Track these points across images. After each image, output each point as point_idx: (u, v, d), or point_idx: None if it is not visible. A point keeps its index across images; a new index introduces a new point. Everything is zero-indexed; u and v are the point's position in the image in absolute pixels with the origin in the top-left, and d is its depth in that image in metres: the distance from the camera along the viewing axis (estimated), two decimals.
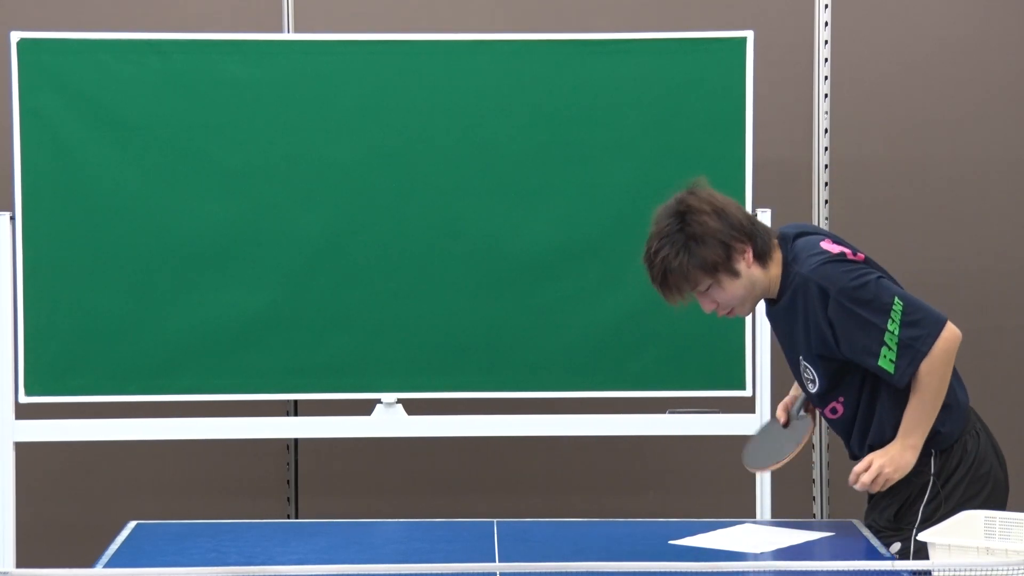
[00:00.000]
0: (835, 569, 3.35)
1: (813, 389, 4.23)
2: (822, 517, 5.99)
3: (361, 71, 5.45)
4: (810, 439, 4.45)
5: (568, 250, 5.48)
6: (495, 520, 4.69)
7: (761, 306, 5.39)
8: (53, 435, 5.51)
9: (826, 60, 5.95)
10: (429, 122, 5.46)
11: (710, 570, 3.52)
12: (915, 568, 3.49)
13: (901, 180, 6.05)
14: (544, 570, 3.36)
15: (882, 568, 3.35)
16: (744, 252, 4.10)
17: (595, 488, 6.08)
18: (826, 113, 5.94)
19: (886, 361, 4.06)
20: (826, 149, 5.98)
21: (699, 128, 5.47)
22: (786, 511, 5.65)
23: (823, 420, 6.00)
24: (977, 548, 3.64)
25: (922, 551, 3.78)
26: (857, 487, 4.19)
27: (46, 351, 5.42)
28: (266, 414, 5.66)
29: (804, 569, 4.08)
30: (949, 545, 3.66)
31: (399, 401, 5.49)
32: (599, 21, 5.85)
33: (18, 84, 5.38)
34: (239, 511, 5.86)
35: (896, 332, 4.04)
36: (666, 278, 4.12)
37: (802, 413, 4.43)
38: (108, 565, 4.15)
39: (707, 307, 4.19)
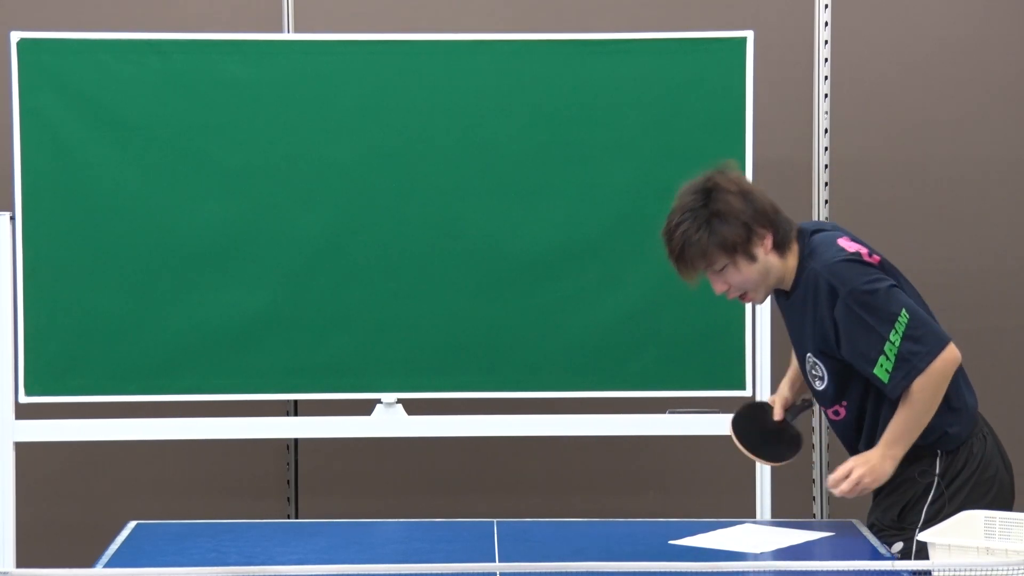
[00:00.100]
0: (835, 569, 3.35)
1: (820, 387, 4.23)
2: (822, 517, 5.99)
3: (361, 71, 5.45)
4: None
5: (568, 250, 5.48)
6: (495, 520, 4.69)
7: (763, 307, 5.43)
8: (53, 435, 5.51)
9: (826, 60, 5.95)
10: (429, 122, 5.46)
11: (710, 570, 3.52)
12: (915, 568, 3.49)
13: (901, 180, 6.05)
14: (544, 570, 3.36)
15: (882, 568, 3.35)
16: (764, 238, 4.10)
17: (595, 488, 6.08)
18: (826, 113, 5.94)
19: (882, 370, 4.06)
20: (826, 149, 5.98)
21: (699, 128, 5.46)
22: (786, 511, 5.65)
23: (823, 421, 6.01)
24: (977, 548, 3.64)
25: (924, 551, 3.78)
26: (835, 493, 4.19)
27: (46, 351, 5.42)
28: (266, 414, 5.66)
29: (804, 569, 4.08)
30: (949, 545, 3.66)
31: (399, 401, 5.49)
32: (599, 21, 5.85)
33: (18, 84, 5.38)
34: (239, 511, 5.86)
35: (897, 344, 4.04)
36: (683, 253, 4.12)
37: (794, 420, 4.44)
38: (108, 565, 4.16)
39: (719, 288, 4.18)
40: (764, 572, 4.09)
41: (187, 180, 5.44)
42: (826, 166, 5.98)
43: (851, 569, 3.34)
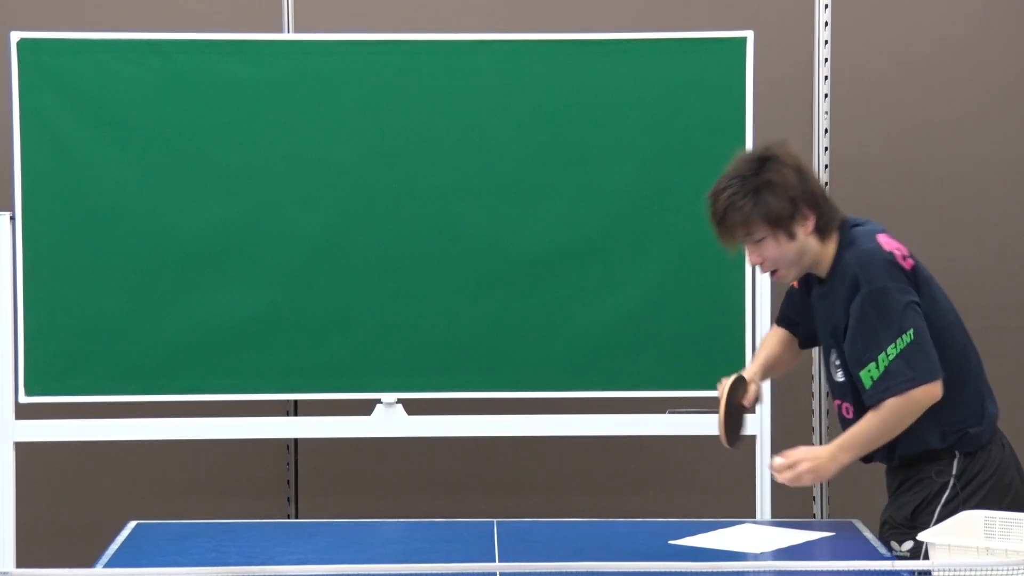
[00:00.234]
0: (835, 569, 3.35)
1: (839, 378, 4.22)
2: (822, 517, 5.99)
3: (361, 71, 5.45)
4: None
5: (568, 250, 5.48)
6: (495, 520, 4.69)
7: (763, 308, 5.43)
8: (53, 435, 5.51)
9: (826, 60, 5.95)
10: (429, 122, 5.46)
11: (710, 570, 3.52)
12: (914, 568, 3.49)
13: (901, 180, 6.04)
14: (544, 570, 3.36)
15: (882, 568, 3.35)
16: (807, 218, 4.11)
17: (595, 488, 6.08)
18: (826, 113, 5.94)
19: (867, 376, 4.08)
20: (826, 149, 5.98)
21: (699, 128, 5.46)
22: (786, 511, 5.64)
23: (824, 421, 6.01)
24: (977, 548, 3.64)
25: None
26: (775, 477, 4.18)
27: (46, 351, 5.42)
28: (266, 414, 5.66)
29: (804, 569, 4.09)
30: (949, 545, 3.66)
31: (399, 401, 5.49)
32: (599, 21, 5.85)
33: (18, 84, 5.38)
34: (239, 511, 5.86)
35: (891, 357, 4.05)
36: (725, 217, 4.13)
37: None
38: (108, 565, 4.16)
39: (753, 259, 4.18)
40: (764, 572, 4.09)
41: (187, 180, 5.44)
42: (826, 166, 5.98)
43: (851, 569, 3.34)
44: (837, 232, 4.17)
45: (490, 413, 5.54)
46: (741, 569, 3.86)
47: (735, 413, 4.40)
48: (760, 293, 5.44)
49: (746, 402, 4.42)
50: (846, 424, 4.25)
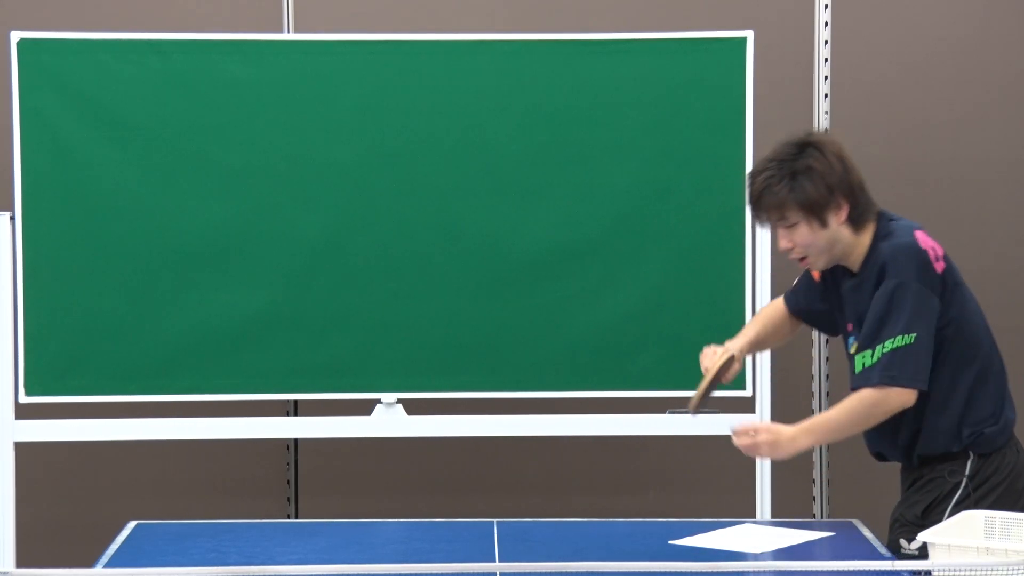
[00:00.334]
0: (835, 569, 3.35)
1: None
2: (822, 517, 5.99)
3: (361, 71, 5.45)
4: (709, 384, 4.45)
5: (568, 250, 5.48)
6: (495, 520, 4.69)
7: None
8: (53, 435, 5.51)
9: (826, 60, 5.95)
10: (429, 122, 5.46)
11: (710, 570, 3.52)
12: (914, 568, 3.49)
13: (901, 180, 6.04)
14: (544, 570, 3.36)
15: (882, 568, 3.35)
16: (842, 208, 4.11)
17: (595, 488, 6.08)
18: (826, 113, 5.94)
19: (860, 362, 4.10)
20: None
21: (699, 128, 5.47)
22: (786, 511, 5.65)
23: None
24: (977, 548, 3.64)
25: None
26: (733, 439, 4.18)
27: (46, 351, 5.42)
28: (266, 414, 5.66)
29: (804, 569, 4.09)
30: (949, 545, 3.66)
31: (399, 401, 5.49)
32: (599, 21, 5.85)
33: (18, 84, 5.38)
34: (239, 511, 5.86)
35: (885, 350, 4.06)
36: (760, 199, 4.14)
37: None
38: (108, 565, 4.16)
39: (783, 244, 4.19)
40: (764, 572, 4.09)
41: (187, 180, 5.44)
42: None
43: (851, 569, 3.34)
44: (873, 225, 4.16)
45: (490, 413, 5.54)
46: (741, 569, 3.86)
47: (712, 386, 4.41)
48: (760, 293, 5.44)
49: (725, 379, 4.45)
50: None
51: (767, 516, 5.47)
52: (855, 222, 4.14)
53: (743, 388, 5.47)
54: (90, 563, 4.24)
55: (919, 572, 3.50)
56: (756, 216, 4.19)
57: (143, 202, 5.43)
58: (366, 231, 5.46)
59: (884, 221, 4.18)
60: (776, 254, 5.42)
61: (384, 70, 5.45)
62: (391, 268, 5.46)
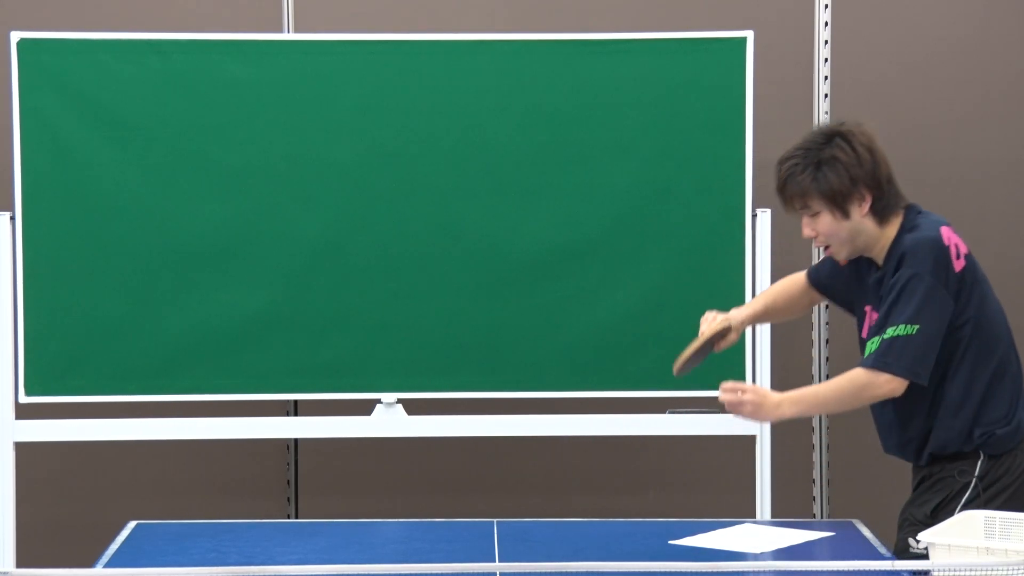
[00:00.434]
0: (835, 569, 3.35)
1: None
2: (822, 517, 5.99)
3: (361, 71, 5.45)
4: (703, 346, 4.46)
5: (568, 250, 5.48)
6: (495, 520, 4.69)
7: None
8: (53, 435, 5.51)
9: (826, 60, 5.95)
10: (429, 122, 5.46)
11: (710, 570, 3.52)
12: (914, 568, 3.49)
13: (901, 180, 5.99)
14: (544, 570, 3.36)
15: (882, 568, 3.35)
16: (865, 200, 4.11)
17: (595, 488, 6.08)
18: (826, 113, 5.94)
19: (869, 348, 4.11)
20: None
21: (699, 128, 5.47)
22: (786, 511, 5.65)
23: (824, 420, 6.01)
24: (977, 548, 3.64)
25: None
26: (720, 397, 4.20)
27: (46, 351, 5.42)
28: (266, 414, 5.66)
29: (804, 569, 4.09)
30: (949, 545, 3.66)
31: (399, 401, 5.49)
32: (599, 21, 5.85)
33: (18, 84, 5.38)
34: (239, 511, 5.86)
35: (886, 337, 4.06)
36: (785, 187, 4.15)
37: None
38: (108, 565, 4.16)
39: (807, 232, 4.19)
40: (764, 572, 4.09)
41: (187, 180, 5.44)
42: None
43: (851, 569, 3.34)
44: (901, 218, 4.17)
45: (490, 413, 5.54)
46: (741, 569, 3.85)
47: (703, 352, 4.42)
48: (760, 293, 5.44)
49: (718, 348, 4.47)
50: (876, 408, 4.25)
51: (767, 516, 5.47)
52: (879, 215, 4.14)
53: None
54: (90, 563, 4.24)
55: (919, 572, 3.49)
56: (783, 203, 4.20)
57: (143, 202, 5.43)
58: (366, 231, 5.46)
59: (912, 215, 4.19)
60: (776, 254, 5.43)
61: (384, 70, 5.45)
62: (391, 268, 5.46)
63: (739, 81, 5.44)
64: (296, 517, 6.03)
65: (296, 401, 5.86)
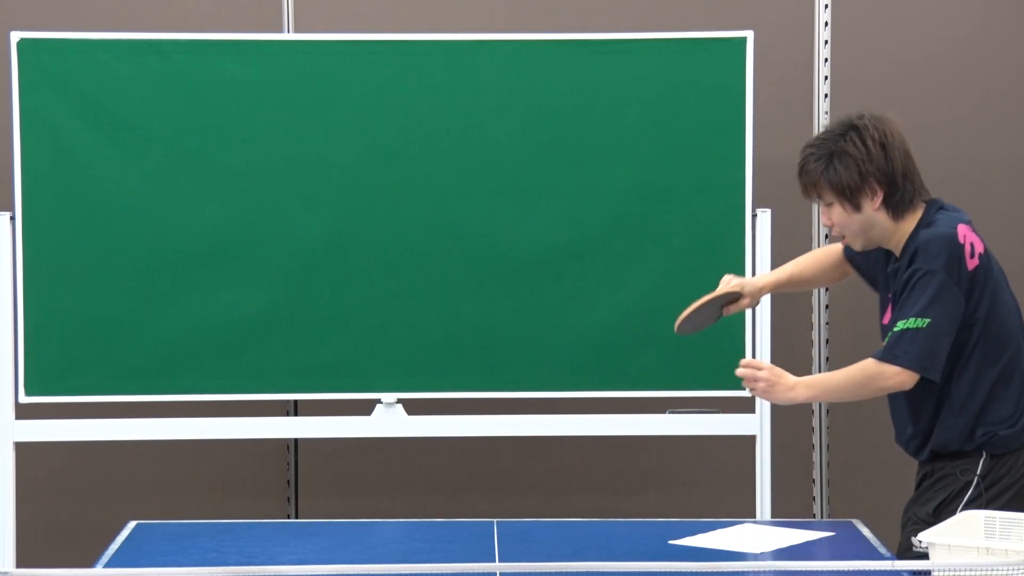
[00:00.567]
0: (835, 569, 3.35)
1: None
2: (822, 517, 5.99)
3: (361, 71, 5.45)
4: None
5: (568, 250, 5.48)
6: (495, 520, 4.69)
7: (763, 308, 5.43)
8: (53, 435, 5.51)
9: (826, 60, 5.95)
10: (429, 122, 5.46)
11: (710, 570, 3.51)
12: (914, 568, 3.48)
13: None
14: (544, 570, 3.36)
15: (882, 568, 3.35)
16: (876, 193, 4.12)
17: (595, 488, 6.08)
18: (826, 113, 5.94)
19: (887, 341, 4.11)
20: None
21: (699, 128, 5.47)
22: (786, 511, 5.65)
23: (824, 420, 6.01)
24: (977, 548, 3.64)
25: None
26: (737, 371, 4.22)
27: (46, 351, 5.42)
28: (266, 414, 5.66)
29: (804, 569, 4.09)
30: (949, 545, 3.66)
31: (399, 401, 5.49)
32: (599, 21, 5.85)
33: (18, 84, 5.38)
34: (239, 511, 5.86)
35: (896, 330, 4.07)
36: (800, 176, 4.19)
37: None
38: (108, 565, 4.16)
39: (824, 220, 4.24)
40: (764, 572, 4.09)
41: (187, 180, 5.44)
42: None
43: (851, 569, 3.34)
44: (920, 213, 4.17)
45: (490, 413, 5.54)
46: (741, 569, 3.85)
47: (709, 315, 4.44)
48: None
49: (727, 312, 4.50)
50: (893, 401, 4.26)
51: (767, 516, 5.47)
52: (893, 209, 4.14)
53: (743, 388, 5.45)
54: (90, 563, 4.24)
55: (919, 572, 3.49)
56: (802, 190, 4.24)
57: (143, 202, 5.43)
58: (366, 231, 5.46)
59: (932, 210, 4.19)
60: (776, 254, 5.43)
61: (384, 70, 5.45)
62: (391, 268, 5.46)
63: (739, 81, 5.44)
64: (296, 517, 6.03)
65: (296, 401, 5.86)
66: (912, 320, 4.05)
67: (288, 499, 6.07)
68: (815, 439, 6.03)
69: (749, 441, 5.53)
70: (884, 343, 4.13)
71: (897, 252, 4.20)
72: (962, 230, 4.13)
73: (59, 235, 5.41)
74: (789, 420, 5.85)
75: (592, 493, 6.08)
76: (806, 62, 5.97)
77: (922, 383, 4.11)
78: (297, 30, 5.90)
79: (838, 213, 4.17)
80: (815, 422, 6.03)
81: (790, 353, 5.88)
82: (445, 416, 5.54)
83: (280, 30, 5.90)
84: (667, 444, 5.80)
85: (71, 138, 5.41)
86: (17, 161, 5.39)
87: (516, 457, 6.03)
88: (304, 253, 5.46)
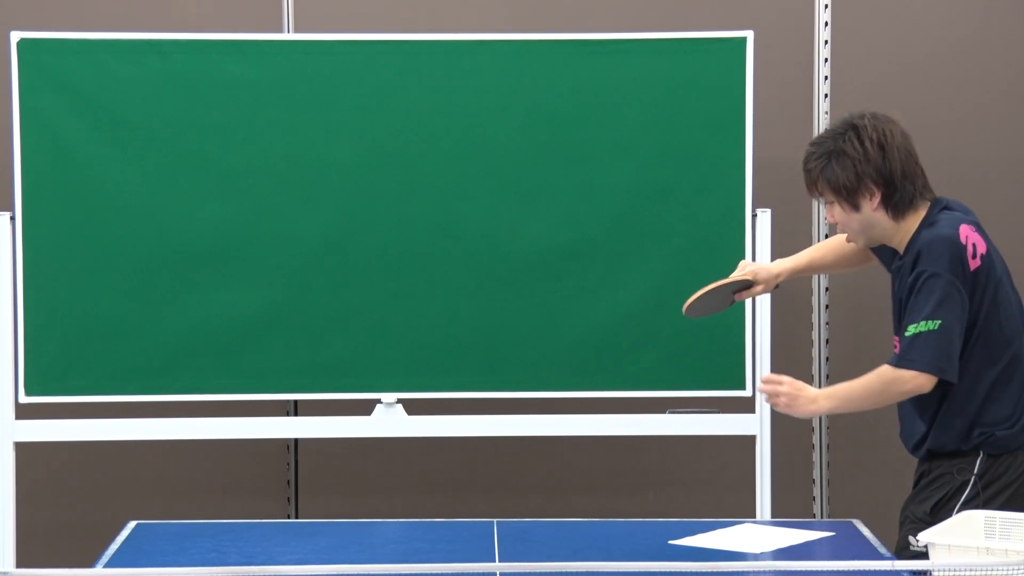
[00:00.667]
0: (835, 569, 3.35)
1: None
2: (822, 517, 5.99)
3: (361, 71, 5.45)
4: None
5: (568, 250, 5.48)
6: (495, 520, 4.69)
7: (762, 308, 5.43)
8: (53, 435, 5.51)
9: (826, 60, 5.95)
10: (429, 122, 5.46)
11: (710, 570, 3.52)
12: (914, 568, 3.48)
13: None
14: (544, 570, 3.36)
15: (882, 568, 3.35)
16: (873, 194, 4.13)
17: (595, 488, 6.08)
18: (826, 113, 5.94)
19: (902, 345, 4.12)
20: None
21: (699, 128, 5.47)
22: (786, 511, 5.65)
23: (824, 419, 6.01)
24: (977, 548, 3.64)
25: None
26: (759, 388, 4.24)
27: (46, 351, 5.42)
28: (266, 414, 5.66)
29: (804, 569, 4.09)
30: (949, 545, 3.66)
31: (399, 401, 5.49)
32: (599, 21, 5.85)
33: (18, 84, 5.38)
34: (239, 511, 5.86)
35: (908, 335, 4.08)
36: (804, 171, 4.21)
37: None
38: (108, 565, 4.16)
39: (829, 217, 4.25)
40: (764, 572, 4.09)
41: (187, 180, 5.44)
42: None
43: (851, 569, 3.34)
44: (923, 212, 4.17)
45: (490, 413, 5.54)
46: (741, 569, 3.85)
47: (720, 300, 4.47)
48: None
49: (739, 298, 4.52)
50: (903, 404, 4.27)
51: (767, 516, 5.47)
52: (893, 209, 4.15)
53: (743, 388, 5.47)
54: (90, 563, 4.24)
55: (919, 572, 3.49)
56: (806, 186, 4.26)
57: (143, 202, 5.43)
58: (366, 231, 5.46)
59: (936, 210, 4.19)
60: (776, 254, 5.43)
61: (384, 70, 5.45)
62: (391, 268, 5.46)
63: (739, 81, 5.44)
64: (296, 517, 6.03)
65: (296, 401, 5.86)
66: (923, 323, 4.05)
67: (288, 499, 6.07)
68: (815, 439, 6.03)
69: (749, 441, 5.53)
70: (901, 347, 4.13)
71: (901, 250, 4.20)
72: (964, 230, 4.13)
73: (59, 235, 5.41)
74: (789, 420, 5.83)
75: (592, 493, 6.08)
76: (806, 62, 5.97)
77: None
78: (297, 30, 5.90)
79: (838, 212, 4.19)
80: (815, 422, 6.03)
81: (790, 353, 5.88)
82: (445, 416, 5.54)
83: (280, 30, 5.90)
84: (667, 444, 5.80)
85: (71, 138, 5.41)
86: (17, 161, 5.39)
87: (516, 457, 6.03)
88: (304, 253, 5.46)
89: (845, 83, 5.97)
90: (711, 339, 5.46)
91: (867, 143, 4.13)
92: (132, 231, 5.43)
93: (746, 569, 3.89)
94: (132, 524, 4.65)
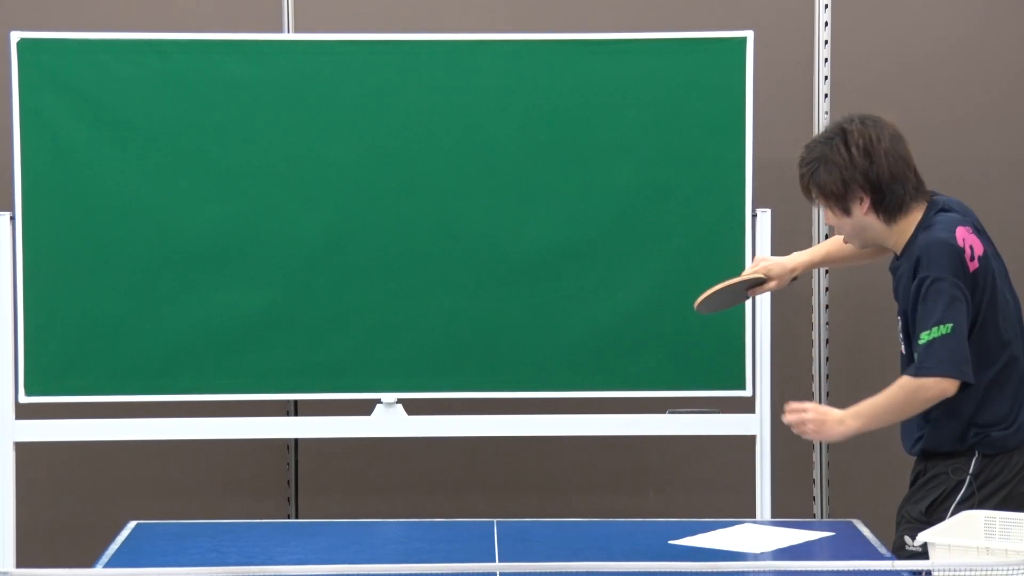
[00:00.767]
0: (835, 569, 3.35)
1: (903, 351, 4.25)
2: (822, 517, 5.99)
3: (361, 71, 5.45)
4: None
5: (568, 250, 5.48)
6: (495, 520, 4.69)
7: (762, 307, 5.43)
8: (53, 435, 5.51)
9: (826, 60, 5.95)
10: (429, 122, 5.46)
11: (710, 570, 3.52)
12: (914, 568, 3.49)
13: None
14: (544, 570, 3.36)
15: (882, 568, 3.35)
16: (862, 199, 4.14)
17: (595, 488, 6.08)
18: (826, 113, 5.94)
19: (917, 354, 4.12)
20: None
21: (699, 128, 5.47)
22: (786, 511, 5.65)
23: None
24: (977, 548, 3.64)
25: None
26: (784, 419, 4.22)
27: (46, 351, 5.42)
28: (266, 414, 5.66)
29: (804, 569, 4.09)
30: (949, 545, 3.66)
31: (399, 401, 5.49)
32: (599, 21, 5.85)
33: (18, 84, 5.38)
34: (239, 511, 5.86)
35: (922, 343, 4.08)
36: (798, 176, 4.22)
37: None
38: (108, 565, 4.16)
39: (828, 219, 4.27)
40: (764, 572, 4.09)
41: (187, 180, 5.44)
42: None
43: (851, 569, 3.34)
44: (918, 214, 4.17)
45: (490, 413, 5.54)
46: (741, 569, 3.85)
47: (733, 296, 4.50)
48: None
49: (752, 293, 4.57)
50: None
51: (767, 516, 5.47)
52: (884, 213, 4.16)
53: (743, 388, 5.47)
54: (90, 563, 4.24)
55: (919, 572, 3.50)
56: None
57: (143, 202, 5.43)
58: (366, 231, 5.46)
59: (932, 211, 4.19)
60: (776, 254, 5.42)
61: (384, 70, 5.45)
62: (391, 268, 5.46)
63: (739, 81, 5.44)
64: (296, 517, 6.03)
65: (296, 401, 5.86)
66: (935, 329, 4.05)
67: (288, 499, 6.07)
68: (813, 441, 6.02)
69: (749, 441, 5.53)
70: (917, 356, 4.11)
71: (897, 251, 4.21)
72: (960, 233, 4.13)
73: (59, 235, 5.41)
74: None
75: (592, 493, 6.08)
76: (806, 62, 5.97)
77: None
78: (297, 30, 5.90)
79: (830, 215, 4.21)
80: None
81: (790, 353, 5.88)
82: (445, 416, 5.54)
83: (280, 30, 5.90)
84: (667, 444, 5.80)
85: (71, 138, 5.42)
86: (17, 161, 5.39)
87: (516, 457, 6.03)
88: (304, 253, 5.46)
89: (845, 83, 5.97)
90: (711, 339, 5.47)
91: (853, 149, 4.13)
92: (132, 231, 5.43)
93: (746, 569, 3.89)
94: (132, 524, 4.65)
